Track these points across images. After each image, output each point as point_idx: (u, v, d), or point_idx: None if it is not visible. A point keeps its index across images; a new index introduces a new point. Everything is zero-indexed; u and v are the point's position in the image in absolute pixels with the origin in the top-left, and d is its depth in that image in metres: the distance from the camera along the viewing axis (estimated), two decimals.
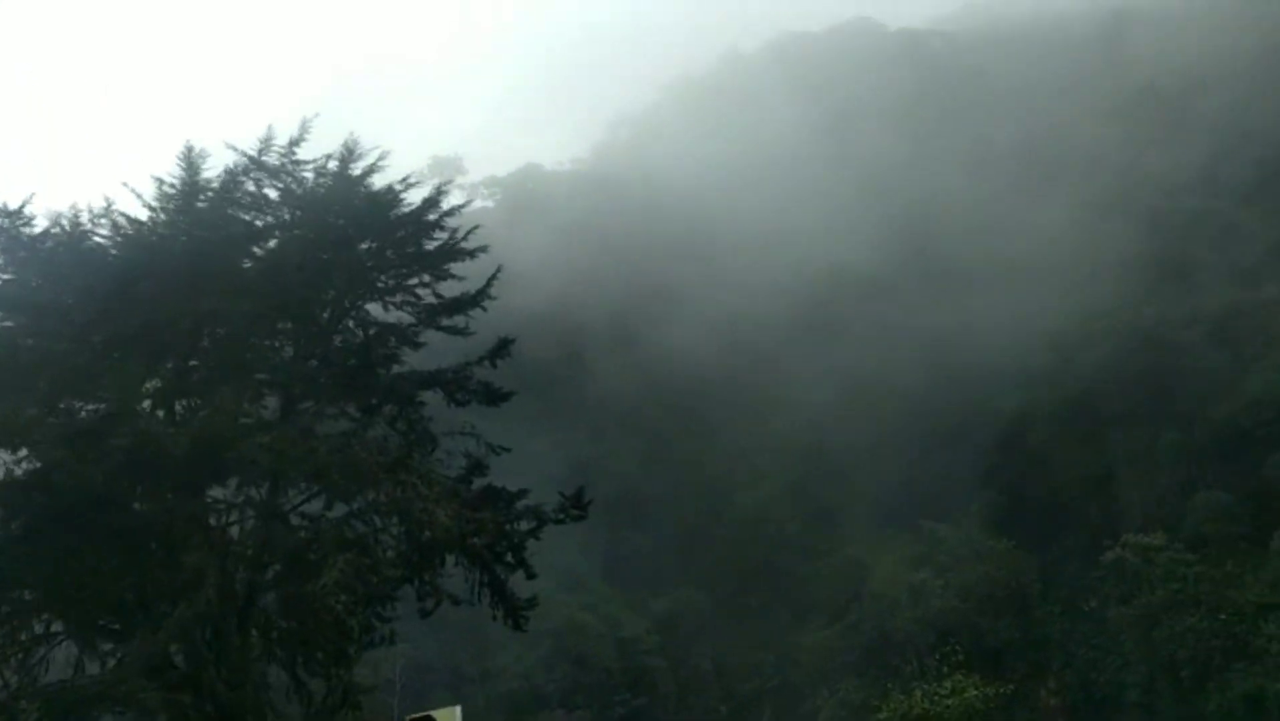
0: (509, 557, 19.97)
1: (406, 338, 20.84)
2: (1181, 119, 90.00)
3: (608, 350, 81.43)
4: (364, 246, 20.61)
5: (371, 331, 20.42)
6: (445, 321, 21.64)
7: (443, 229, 20.90)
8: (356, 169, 20.89)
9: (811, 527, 76.04)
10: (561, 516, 19.75)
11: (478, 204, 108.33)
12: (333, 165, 20.65)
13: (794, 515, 74.76)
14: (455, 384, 20.31)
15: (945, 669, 58.02)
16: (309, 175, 20.66)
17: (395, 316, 21.88)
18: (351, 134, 20.29)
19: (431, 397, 20.87)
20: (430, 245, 20.61)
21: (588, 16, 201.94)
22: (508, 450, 20.37)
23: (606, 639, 62.17)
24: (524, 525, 19.76)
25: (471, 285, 21.07)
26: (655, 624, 67.09)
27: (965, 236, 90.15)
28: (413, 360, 21.74)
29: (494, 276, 21.68)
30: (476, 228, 20.97)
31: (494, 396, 21.20)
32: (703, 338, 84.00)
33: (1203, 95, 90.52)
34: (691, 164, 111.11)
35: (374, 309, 21.80)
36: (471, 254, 21.50)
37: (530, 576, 20.02)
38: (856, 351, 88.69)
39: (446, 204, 21.45)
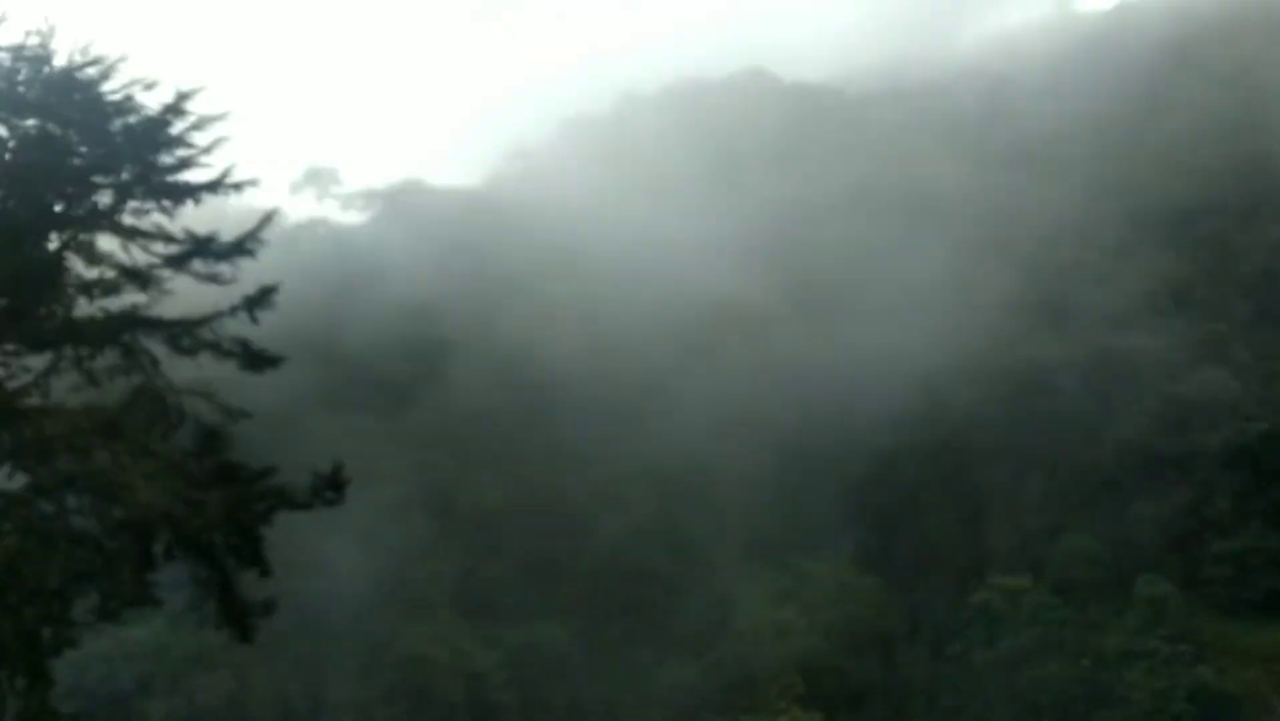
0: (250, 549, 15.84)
1: (138, 276, 16.58)
2: (1057, 172, 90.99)
3: (475, 370, 77.24)
4: (83, 160, 16.38)
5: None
6: (200, 267, 17.34)
7: (188, 145, 16.81)
8: (91, 75, 16.65)
9: (677, 560, 72.69)
10: (313, 500, 15.66)
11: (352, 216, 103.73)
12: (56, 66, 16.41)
13: (659, 547, 71.17)
14: (185, 332, 16.14)
15: (782, 703, 55.09)
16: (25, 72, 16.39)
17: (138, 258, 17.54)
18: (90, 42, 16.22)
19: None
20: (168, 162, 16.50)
21: (494, 55, 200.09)
22: (248, 416, 16.22)
23: (455, 672, 57.44)
24: (260, 508, 15.67)
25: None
26: (509, 657, 62.53)
27: (845, 276, 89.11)
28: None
29: (267, 219, 17.56)
30: (222, 140, 16.94)
31: (255, 358, 16.98)
32: (576, 364, 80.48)
33: (1077, 151, 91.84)
34: (580, 196, 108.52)
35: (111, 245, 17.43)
36: (237, 186, 17.32)
37: (265, 574, 15.84)
38: (732, 384, 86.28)
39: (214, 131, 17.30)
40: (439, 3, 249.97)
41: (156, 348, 16.83)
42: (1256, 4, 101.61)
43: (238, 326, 17.27)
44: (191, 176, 17.69)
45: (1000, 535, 72.60)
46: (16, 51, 16.12)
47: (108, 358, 16.55)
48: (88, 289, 16.87)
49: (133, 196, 16.63)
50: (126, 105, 16.94)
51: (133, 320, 15.90)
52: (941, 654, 69.01)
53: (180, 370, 17.63)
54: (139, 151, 16.56)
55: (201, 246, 17.38)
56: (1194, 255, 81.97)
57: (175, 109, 16.99)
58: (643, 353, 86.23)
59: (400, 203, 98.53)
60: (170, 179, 16.92)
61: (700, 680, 63.70)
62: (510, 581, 68.84)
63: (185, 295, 18.20)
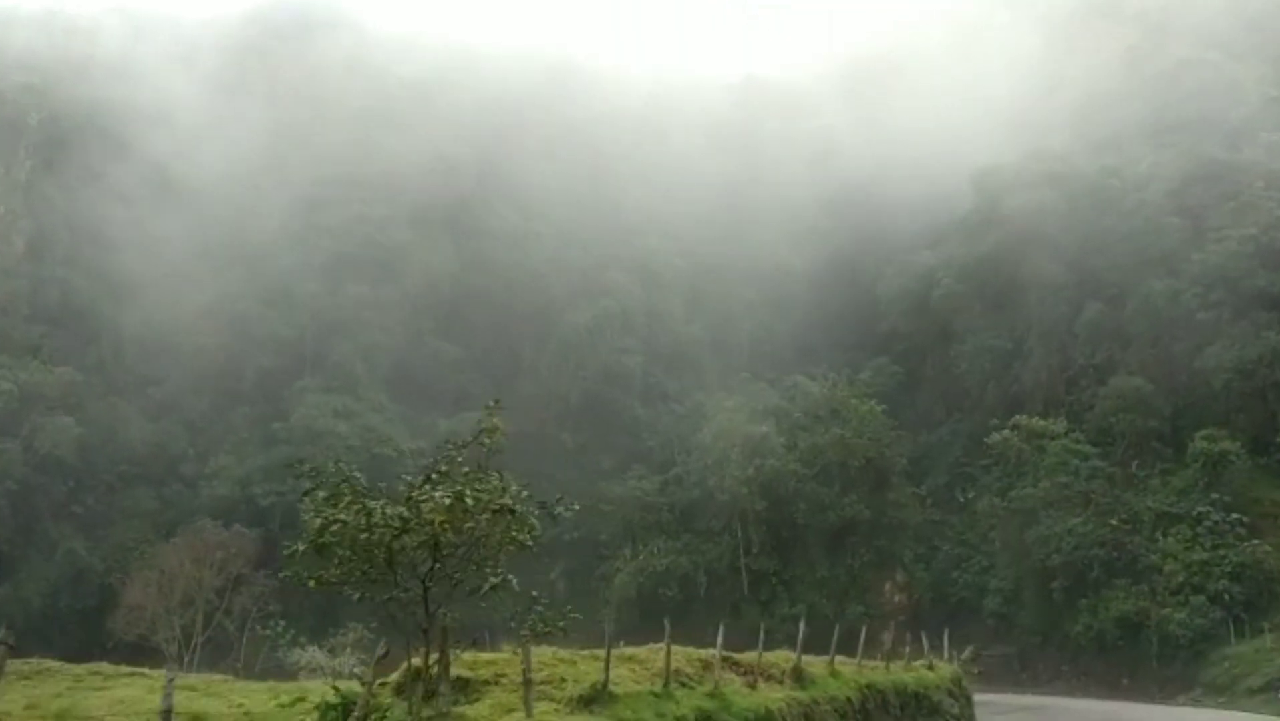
0: None
1: None
2: None
3: (419, 125, 66.22)
4: None
5: None
6: None
7: None
8: None
9: (656, 364, 63.04)
10: None
11: None
12: None
13: (636, 347, 61.52)
14: None
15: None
16: None
17: None
18: None
19: None
20: None
21: None
22: None
23: (357, 453, 49.39)
24: None
25: None
26: (437, 448, 54.15)
27: (900, 50, 75.14)
28: None
29: None
30: None
31: None
32: (565, 134, 69.68)
33: None
34: None
35: None
36: None
37: None
38: (758, 172, 74.93)
39: None
40: None
41: None
42: None
43: None
44: None
45: (1041, 372, 61.16)
46: None
47: None
48: None
49: None
50: None
51: None
52: (950, 501, 59.21)
53: None
54: None
55: None
56: None
57: None
58: (656, 126, 75.02)
59: None
60: None
61: (657, 497, 54.85)
62: (459, 367, 60.07)
63: None
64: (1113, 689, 46.37)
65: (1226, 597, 44.54)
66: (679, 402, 59.22)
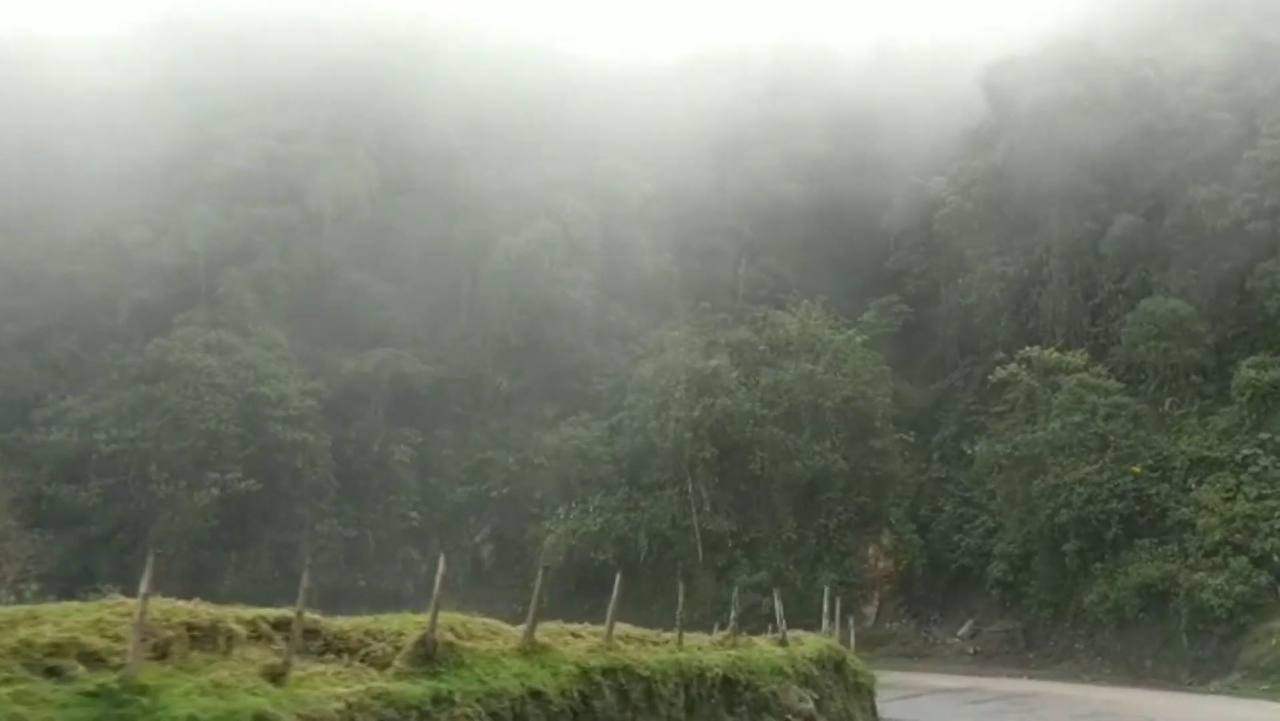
0: None
1: None
2: None
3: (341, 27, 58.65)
4: None
5: None
6: None
7: None
8: None
9: (621, 304, 55.44)
10: None
11: None
12: None
13: (588, 280, 53.92)
14: None
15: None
16: None
17: None
18: None
19: None
20: None
21: None
22: None
23: (227, 392, 42.53)
24: None
25: None
26: (340, 391, 47.36)
27: None
28: None
29: None
30: None
31: None
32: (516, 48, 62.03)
33: None
34: None
35: None
36: None
37: None
38: (742, 83, 66.60)
39: None
40: None
41: None
42: None
43: None
44: None
45: (1062, 301, 52.44)
46: None
47: None
48: None
49: None
50: None
51: None
52: (955, 455, 50.94)
53: None
54: None
55: None
56: None
57: None
58: (629, 40, 67.06)
59: None
60: None
61: (596, 446, 47.31)
62: (382, 304, 52.94)
63: None
64: (1133, 672, 38.14)
65: (1276, 559, 35.91)
66: (639, 343, 51.44)
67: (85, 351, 45.89)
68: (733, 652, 15.25)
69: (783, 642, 17.06)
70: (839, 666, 17.48)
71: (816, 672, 16.56)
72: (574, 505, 45.86)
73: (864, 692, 18.32)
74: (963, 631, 47.03)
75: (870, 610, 47.20)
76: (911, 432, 48.59)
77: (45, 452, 41.31)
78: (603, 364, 53.67)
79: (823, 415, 45.97)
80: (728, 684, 14.94)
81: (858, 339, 47.30)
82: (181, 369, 42.19)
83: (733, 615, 17.79)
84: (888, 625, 47.29)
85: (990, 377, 47.51)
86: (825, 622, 21.45)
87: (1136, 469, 40.09)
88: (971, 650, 44.49)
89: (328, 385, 47.20)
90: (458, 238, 54.64)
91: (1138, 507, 39.65)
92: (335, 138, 54.22)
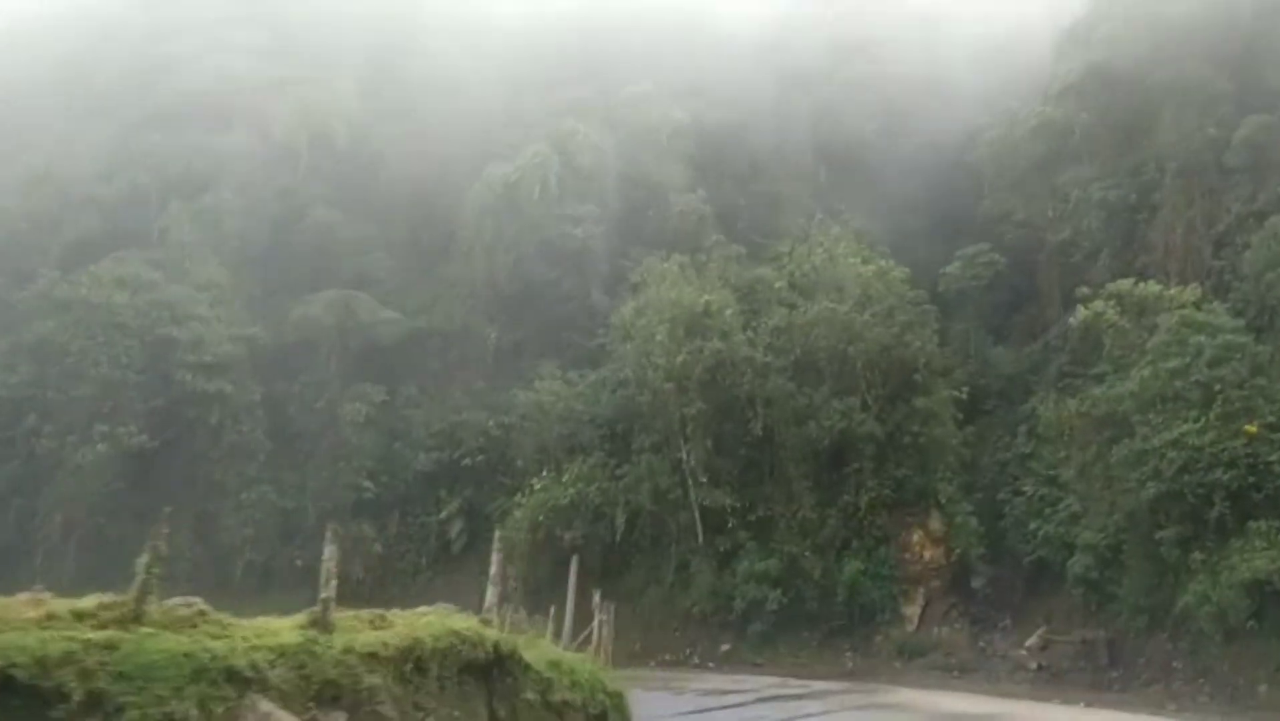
0: None
1: None
2: None
3: None
4: None
5: None
6: None
7: None
8: None
9: (640, 247, 47.79)
10: None
11: None
12: None
13: (594, 217, 46.56)
14: None
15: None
16: None
17: None
18: None
19: None
20: None
21: None
22: None
23: (128, 332, 36.82)
24: None
25: None
26: (288, 341, 41.25)
27: None
28: None
29: None
30: None
31: None
32: None
33: None
34: None
35: None
36: None
37: None
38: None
39: None
40: None
41: None
42: None
43: None
44: None
45: (1176, 228, 42.25)
46: None
47: None
48: None
49: None
50: None
51: None
52: (1022, 415, 41.57)
53: None
54: None
55: None
56: None
57: None
58: None
59: None
60: None
61: (578, 405, 39.94)
62: (361, 247, 46.86)
63: None
64: (1241, 700, 28.36)
65: None
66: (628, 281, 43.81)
67: (12, 294, 41.20)
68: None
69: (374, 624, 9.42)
70: (473, 666, 9.68)
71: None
72: (547, 474, 38.59)
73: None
74: (1031, 641, 37.49)
75: (911, 611, 38.28)
76: (964, 390, 39.26)
77: None
78: (611, 314, 46.23)
79: (850, 366, 37.29)
80: None
81: (895, 271, 38.33)
82: (75, 305, 36.90)
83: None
84: (935, 630, 38.26)
85: (1072, 321, 38.01)
86: (490, 593, 13.91)
87: (1251, 428, 30.13)
88: (1035, 665, 35.07)
89: (273, 333, 41.30)
90: (451, 174, 48.08)
91: (1251, 479, 29.73)
92: (315, 61, 48.41)
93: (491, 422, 42.69)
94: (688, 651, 37.57)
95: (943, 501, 38.30)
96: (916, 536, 38.79)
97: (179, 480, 38.57)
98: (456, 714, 9.35)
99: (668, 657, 37.41)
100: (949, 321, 46.26)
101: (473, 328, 46.28)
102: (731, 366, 35.91)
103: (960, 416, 39.04)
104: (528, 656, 10.01)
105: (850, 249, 38.85)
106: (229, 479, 38.28)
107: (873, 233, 51.35)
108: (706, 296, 36.24)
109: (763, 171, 55.96)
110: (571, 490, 37.16)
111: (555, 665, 10.42)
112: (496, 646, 9.60)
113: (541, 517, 37.54)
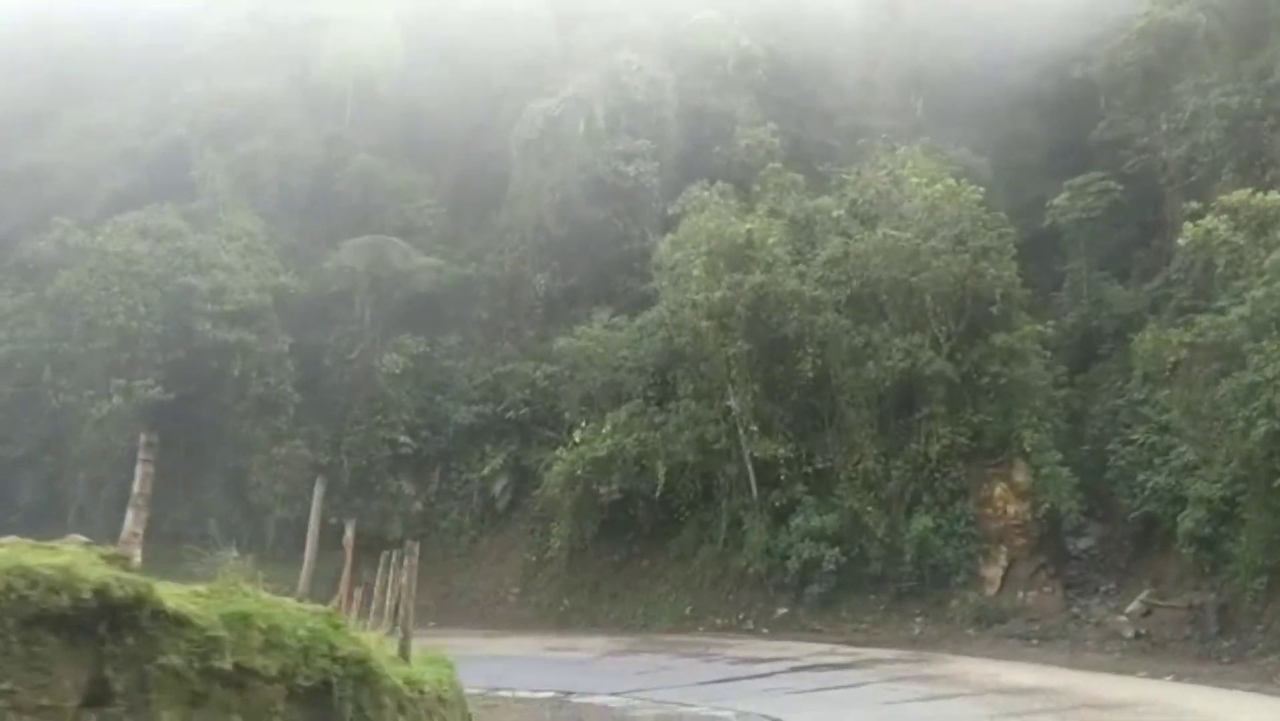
0: None
1: None
2: None
3: None
4: None
5: None
6: None
7: None
8: None
9: (697, 184, 44.59)
10: None
11: None
12: None
13: (646, 152, 43.44)
14: None
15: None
16: None
17: None
18: None
19: None
20: None
21: None
22: None
23: (145, 283, 35.29)
24: None
25: None
26: (323, 291, 39.52)
27: None
28: None
29: None
30: None
31: None
32: None
33: None
34: None
35: None
36: None
37: None
38: None
39: None
40: None
41: None
42: None
43: None
44: None
45: None
46: None
47: None
48: None
49: None
50: None
51: None
52: (1124, 349, 36.90)
53: None
54: None
55: None
56: None
57: None
58: None
59: None
60: None
61: (622, 350, 37.11)
62: (407, 194, 44.84)
63: None
64: None
65: None
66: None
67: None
68: None
69: None
70: (67, 620, 6.97)
71: None
72: (587, 425, 35.91)
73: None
74: (1132, 607, 33.06)
75: (992, 572, 34.20)
76: (1050, 323, 34.87)
77: None
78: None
79: (915, 299, 33.33)
80: None
81: (970, 191, 34.03)
82: (91, 254, 35.78)
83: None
84: (1020, 594, 34.13)
85: (1180, 242, 33.21)
86: (129, 518, 11.24)
87: None
88: (1132, 633, 30.72)
89: (307, 283, 39.62)
90: (500, 115, 45.58)
91: None
92: None
93: (539, 373, 40.25)
94: (741, 616, 34.54)
95: (1028, 450, 34.04)
96: (998, 490, 34.64)
97: (208, 436, 37.35)
98: (37, 682, 6.61)
99: (719, 622, 34.49)
100: (1058, 260, 41.99)
101: (523, 275, 43.82)
102: (777, 302, 32.39)
103: (1048, 355, 34.69)
104: (174, 606, 7.16)
105: (919, 168, 34.67)
106: (258, 434, 36.83)
107: (979, 168, 46.83)
108: (749, 225, 32.73)
109: (848, 106, 51.87)
110: (609, 441, 34.37)
111: (241, 620, 7.55)
112: (104, 591, 6.77)
113: (580, 472, 34.93)
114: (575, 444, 35.65)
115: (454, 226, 45.95)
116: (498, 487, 39.30)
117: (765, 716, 19.79)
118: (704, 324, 32.51)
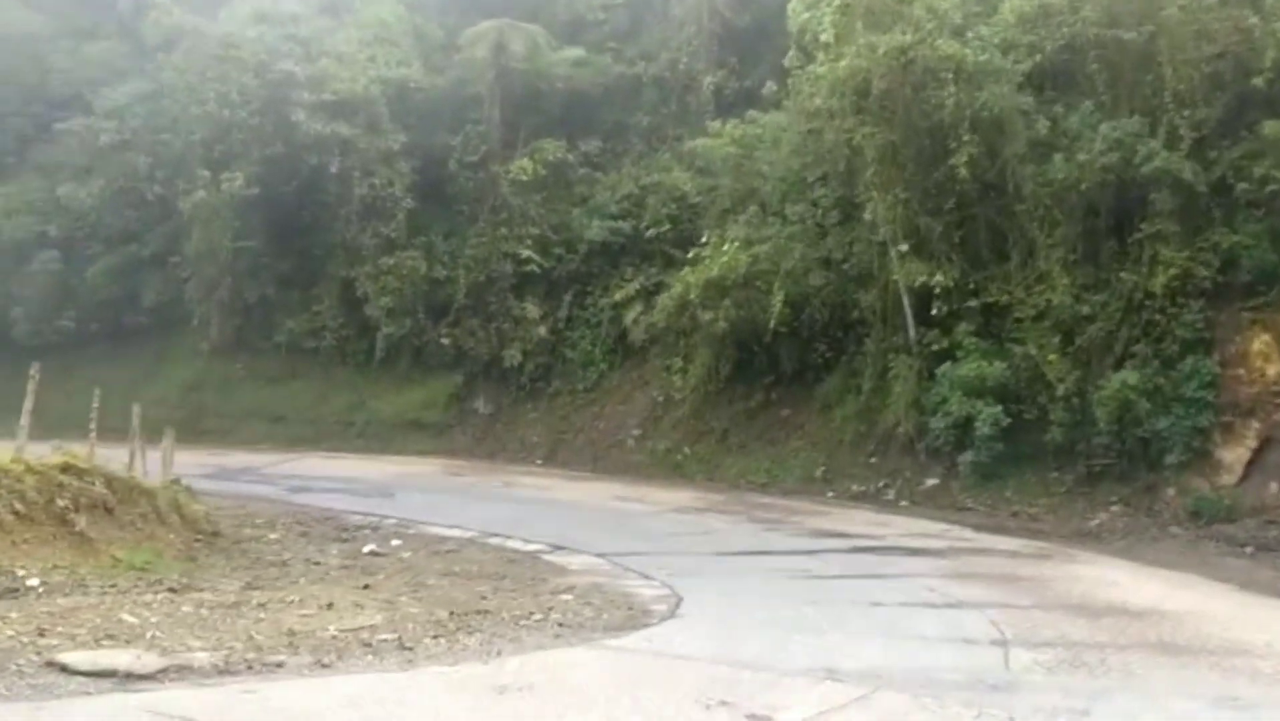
0: None
1: None
2: None
3: None
4: None
5: None
6: None
7: None
8: None
9: None
10: None
11: None
12: None
13: None
14: None
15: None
16: None
17: None
18: None
19: None
20: None
21: None
22: None
23: (243, 70, 32.12)
24: None
25: None
26: (453, 87, 35.08)
27: None
28: None
29: None
30: None
31: None
32: None
33: None
34: None
35: None
36: None
37: None
38: None
39: None
40: None
41: None
42: None
43: None
44: None
45: None
46: None
47: None
48: None
49: None
50: None
51: None
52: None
53: None
54: None
55: None
56: None
57: None
58: None
59: None
60: None
61: (760, 150, 30.24)
62: None
63: None
64: None
65: None
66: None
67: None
68: None
69: None
70: None
71: None
72: (706, 242, 29.71)
73: None
74: None
75: (1232, 455, 24.66)
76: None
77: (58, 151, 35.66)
78: None
79: (1149, 72, 23.81)
80: None
81: None
82: (187, 34, 33.30)
83: None
84: (1271, 486, 24.57)
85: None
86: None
87: None
88: None
89: (443, 80, 35.46)
90: None
91: None
92: None
93: (690, 186, 34.18)
94: (882, 484, 27.58)
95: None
96: (1257, 343, 24.78)
97: (317, 241, 34.86)
98: None
99: (855, 489, 27.76)
100: None
101: (695, 74, 37.42)
102: (932, 76, 24.13)
103: None
104: None
105: None
106: (364, 240, 33.76)
107: None
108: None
109: None
110: (722, 260, 28.03)
111: None
112: None
113: (694, 296, 28.97)
114: (693, 264, 29.64)
115: (628, 20, 40.15)
116: (631, 316, 34.07)
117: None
118: (831, 103, 24.97)
